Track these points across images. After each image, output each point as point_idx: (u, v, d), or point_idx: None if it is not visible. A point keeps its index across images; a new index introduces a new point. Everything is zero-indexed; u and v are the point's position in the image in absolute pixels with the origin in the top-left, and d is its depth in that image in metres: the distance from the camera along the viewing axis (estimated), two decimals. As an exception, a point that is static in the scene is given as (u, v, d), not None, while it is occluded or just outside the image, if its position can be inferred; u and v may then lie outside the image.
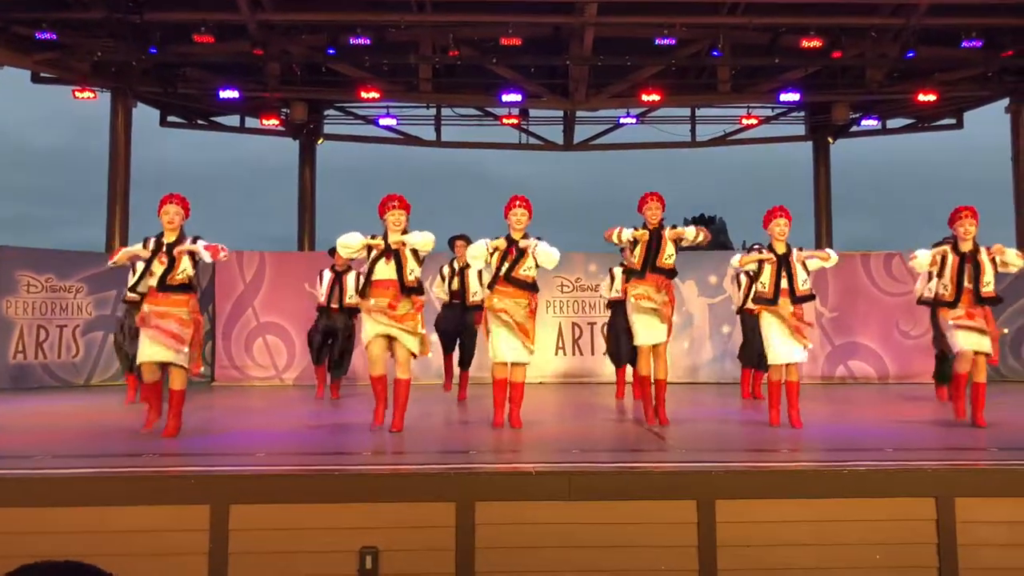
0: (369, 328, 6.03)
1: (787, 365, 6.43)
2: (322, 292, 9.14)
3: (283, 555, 4.21)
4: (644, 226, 6.51)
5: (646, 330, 6.52)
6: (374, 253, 6.02)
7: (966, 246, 6.29)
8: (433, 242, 6.12)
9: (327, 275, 9.14)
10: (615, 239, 6.57)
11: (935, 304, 6.70)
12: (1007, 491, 4.31)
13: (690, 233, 6.47)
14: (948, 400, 8.56)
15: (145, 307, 5.92)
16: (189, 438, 5.86)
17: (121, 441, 5.82)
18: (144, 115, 14.86)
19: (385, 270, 5.98)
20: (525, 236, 6.43)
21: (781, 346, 6.39)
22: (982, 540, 4.25)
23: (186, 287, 5.92)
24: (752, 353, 8.84)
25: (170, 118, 15.86)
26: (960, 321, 6.25)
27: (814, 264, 6.60)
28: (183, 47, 12.81)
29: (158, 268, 5.84)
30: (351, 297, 8.94)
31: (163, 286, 5.82)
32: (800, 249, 6.64)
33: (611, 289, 9.10)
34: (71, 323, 11.23)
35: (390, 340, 6.06)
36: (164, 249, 5.86)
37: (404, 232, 6.04)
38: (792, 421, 6.35)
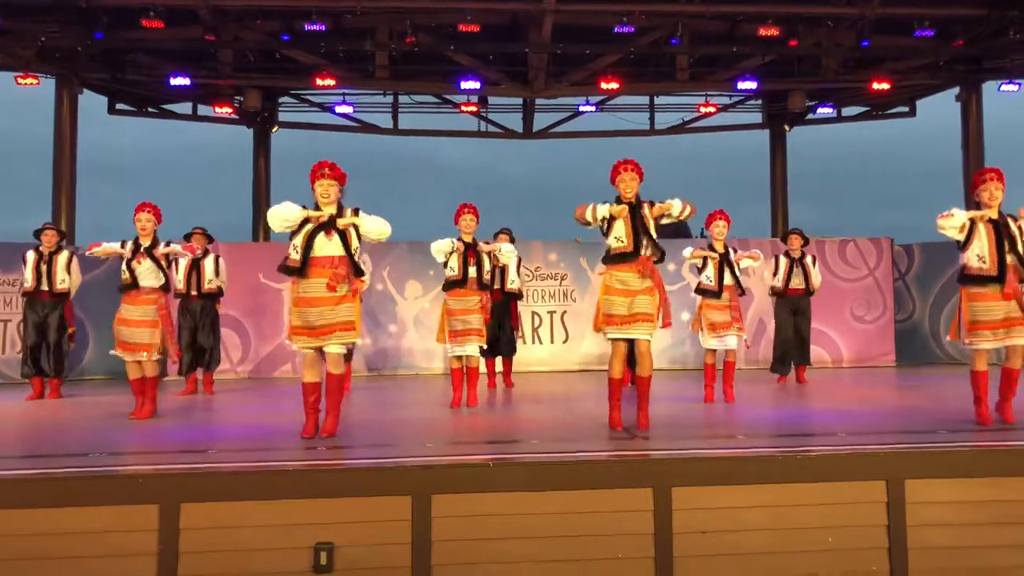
0: (299, 341, 5.23)
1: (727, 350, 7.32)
2: (179, 278, 8.75)
3: (236, 553, 4.13)
4: (618, 200, 5.50)
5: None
6: (309, 226, 5.13)
7: (993, 214, 5.40)
8: (388, 234, 5.31)
9: (182, 261, 8.70)
10: (588, 217, 5.45)
11: (966, 281, 5.47)
12: (953, 472, 4.40)
13: (676, 207, 5.42)
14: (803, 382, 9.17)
15: (121, 308, 6.60)
16: (138, 435, 5.74)
17: (67, 440, 5.66)
18: (92, 99, 14.51)
19: (328, 246, 5.13)
20: (474, 241, 7.10)
21: (712, 337, 7.25)
22: (930, 521, 4.33)
23: (154, 286, 6.62)
24: None
25: (119, 105, 15.49)
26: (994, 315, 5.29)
27: (746, 263, 7.46)
28: (132, 32, 12.51)
29: (136, 268, 6.56)
30: (210, 282, 8.85)
31: (137, 286, 6.56)
32: (736, 250, 7.54)
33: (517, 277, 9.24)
34: (16, 318, 10.88)
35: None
36: (142, 251, 6.57)
37: (339, 206, 5.24)
38: (726, 397, 7.25)
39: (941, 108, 15.98)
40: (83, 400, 8.39)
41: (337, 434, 5.31)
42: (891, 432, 5.43)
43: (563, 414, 6.89)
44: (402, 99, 16.64)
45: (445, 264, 7.09)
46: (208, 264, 8.88)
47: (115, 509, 4.09)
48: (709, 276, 7.27)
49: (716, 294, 7.22)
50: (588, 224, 5.54)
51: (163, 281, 6.67)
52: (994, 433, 5.15)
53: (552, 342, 11.99)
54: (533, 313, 12.03)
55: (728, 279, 7.25)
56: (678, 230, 18.77)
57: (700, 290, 7.39)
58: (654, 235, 5.46)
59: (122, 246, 6.63)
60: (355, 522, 4.19)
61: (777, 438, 5.30)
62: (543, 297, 12.01)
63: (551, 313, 11.97)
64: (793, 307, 9.26)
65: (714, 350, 7.34)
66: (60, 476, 4.24)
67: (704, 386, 7.41)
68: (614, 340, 5.49)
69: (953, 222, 5.41)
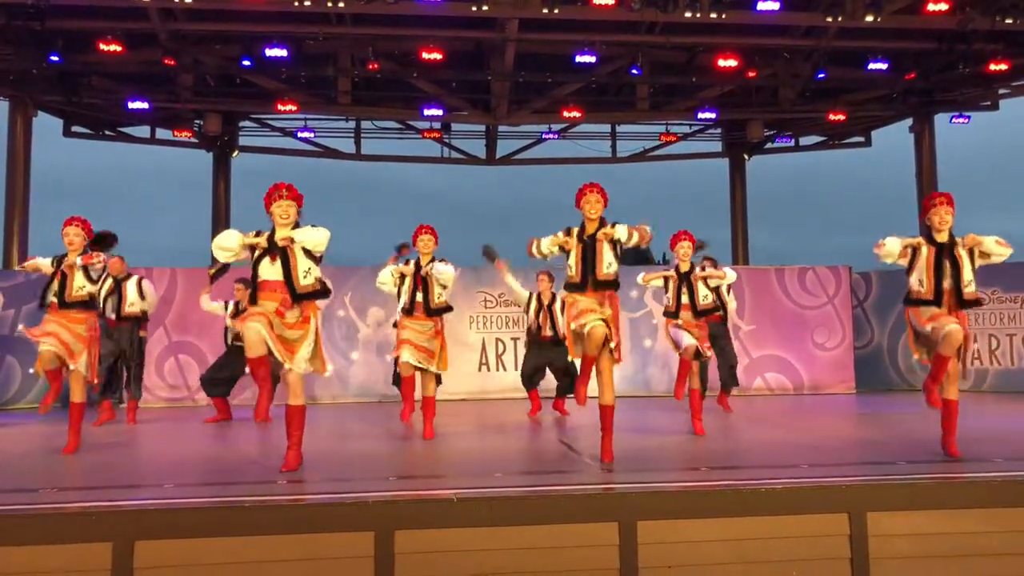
0: (252, 326, 4.91)
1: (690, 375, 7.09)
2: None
3: (191, 593, 4.01)
4: (581, 225, 5.49)
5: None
6: (257, 252, 5.10)
7: (942, 237, 5.44)
8: (327, 240, 5.12)
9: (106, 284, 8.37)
10: (534, 252, 5.62)
11: (908, 303, 5.61)
12: (914, 504, 4.43)
13: (621, 233, 5.38)
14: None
15: (46, 318, 6.22)
16: (91, 469, 5.56)
17: (15, 476, 5.46)
18: (47, 119, 14.26)
19: (270, 270, 5.05)
20: (431, 260, 6.93)
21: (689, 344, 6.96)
22: (892, 553, 4.34)
23: (85, 304, 6.26)
24: (531, 374, 9.00)
25: (75, 128, 15.22)
26: (942, 319, 5.32)
27: (714, 282, 7.33)
28: (89, 55, 12.32)
29: (55, 285, 6.20)
30: (132, 305, 8.52)
31: (63, 303, 6.18)
32: (702, 268, 7.39)
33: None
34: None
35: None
36: (66, 266, 6.22)
37: (296, 227, 5.13)
38: (694, 429, 6.97)
39: (896, 136, 16.42)
40: (27, 430, 8.12)
41: (298, 468, 5.16)
42: (852, 464, 5.48)
43: (526, 444, 6.84)
44: (364, 124, 16.61)
45: (398, 293, 7.13)
46: (131, 287, 8.56)
47: (67, 548, 3.94)
48: (668, 297, 7.22)
49: (674, 314, 7.12)
50: (540, 257, 5.63)
51: (89, 301, 6.28)
52: (953, 465, 5.21)
53: (516, 369, 11.92)
54: (497, 340, 11.99)
55: (686, 299, 7.04)
56: (638, 256, 18.94)
57: (664, 311, 7.29)
58: (611, 263, 5.38)
59: (52, 263, 6.31)
60: (316, 559, 4.09)
61: (741, 470, 5.32)
62: (507, 324, 11.98)
63: (515, 340, 11.93)
64: (711, 333, 8.53)
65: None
66: (7, 514, 4.08)
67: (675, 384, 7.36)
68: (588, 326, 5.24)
69: (886, 251, 5.51)
